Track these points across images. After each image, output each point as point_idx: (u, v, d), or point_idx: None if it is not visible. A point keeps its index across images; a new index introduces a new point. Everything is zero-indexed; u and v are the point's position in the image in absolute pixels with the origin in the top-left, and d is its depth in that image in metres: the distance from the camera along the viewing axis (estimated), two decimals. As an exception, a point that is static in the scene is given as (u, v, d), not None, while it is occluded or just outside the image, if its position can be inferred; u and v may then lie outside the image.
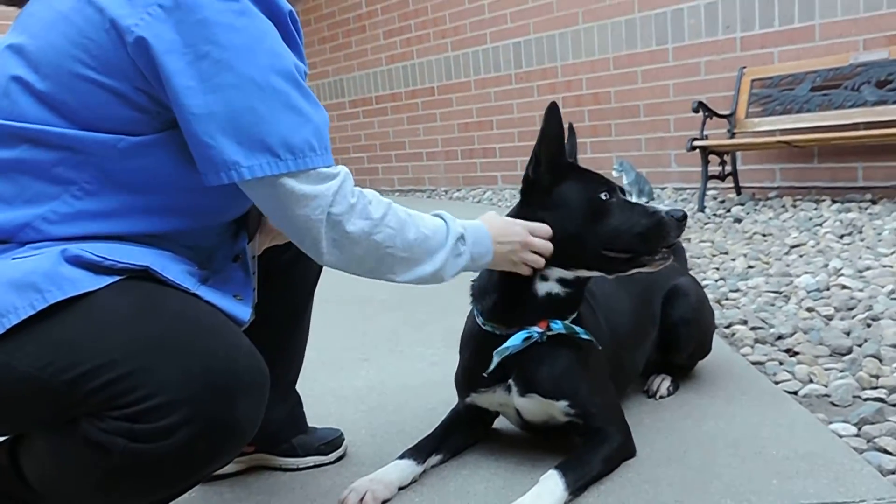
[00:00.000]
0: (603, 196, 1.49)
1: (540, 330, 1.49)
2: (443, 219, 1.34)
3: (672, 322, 1.86)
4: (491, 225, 1.42)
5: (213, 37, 1.01)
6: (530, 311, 1.51)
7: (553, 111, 1.48)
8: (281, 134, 1.05)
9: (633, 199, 4.11)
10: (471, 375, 1.58)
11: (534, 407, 1.54)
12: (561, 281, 1.51)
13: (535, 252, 1.46)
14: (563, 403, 1.50)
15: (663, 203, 5.20)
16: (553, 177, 1.51)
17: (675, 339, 1.87)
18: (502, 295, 1.52)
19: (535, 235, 1.46)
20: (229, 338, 1.04)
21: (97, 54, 1.01)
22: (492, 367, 1.50)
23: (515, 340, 1.48)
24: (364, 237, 1.17)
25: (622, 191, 1.55)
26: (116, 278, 1.01)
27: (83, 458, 0.97)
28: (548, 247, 1.47)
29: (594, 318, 1.64)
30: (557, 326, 1.49)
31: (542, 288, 1.51)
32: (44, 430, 1.04)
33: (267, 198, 1.11)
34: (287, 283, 1.53)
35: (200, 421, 0.95)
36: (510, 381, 1.52)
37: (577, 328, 1.51)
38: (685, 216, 1.47)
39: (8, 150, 1.04)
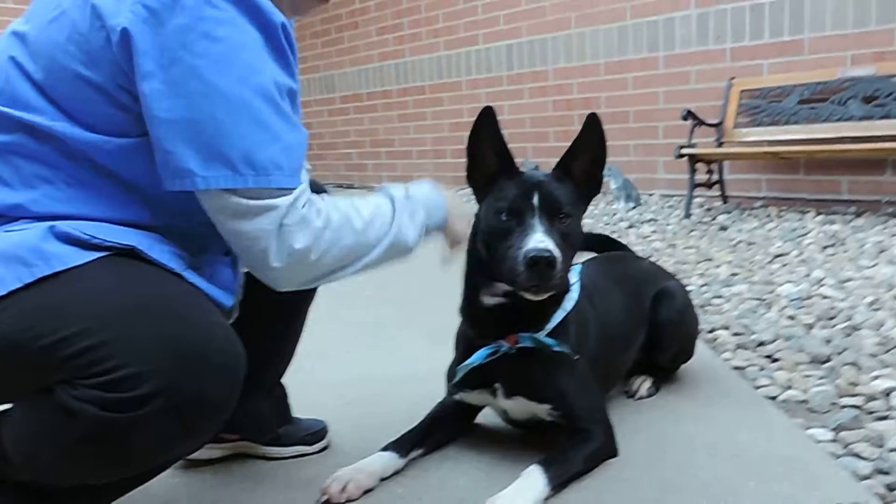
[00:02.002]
0: (502, 217, 1.40)
1: (507, 344, 1.49)
2: (383, 192, 1.32)
3: (658, 322, 1.88)
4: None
5: (189, 44, 1.01)
6: (491, 323, 1.51)
7: (485, 114, 1.43)
8: (243, 148, 1.04)
9: (621, 205, 4.08)
10: (461, 378, 1.58)
11: (520, 407, 1.56)
12: (508, 294, 1.46)
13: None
14: (547, 406, 1.52)
15: (649, 210, 5.24)
16: (485, 183, 1.48)
17: (659, 339, 1.88)
18: (466, 303, 1.56)
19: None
20: (206, 316, 1.06)
21: (87, 49, 1.04)
22: (456, 378, 1.55)
23: (478, 356, 1.50)
24: (313, 244, 1.13)
25: (544, 208, 1.39)
26: (102, 254, 1.03)
27: (55, 424, 0.99)
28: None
29: (587, 318, 1.64)
30: (525, 341, 1.49)
31: (488, 300, 1.50)
32: (23, 398, 1.05)
33: (218, 209, 1.09)
34: None
35: (170, 394, 0.96)
36: (496, 385, 1.54)
37: (549, 340, 1.49)
38: (535, 261, 1.29)
39: (6, 134, 1.06)
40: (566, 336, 1.53)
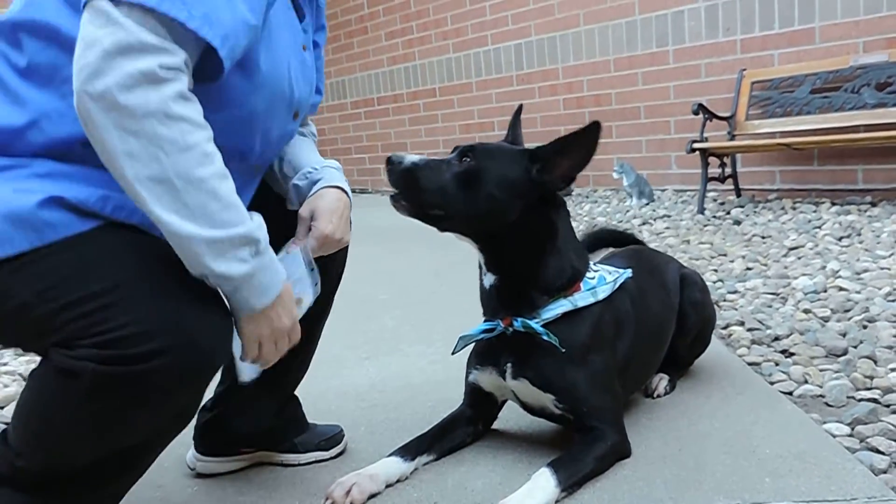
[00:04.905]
0: None
1: (503, 325, 1.55)
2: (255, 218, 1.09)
3: (681, 302, 1.90)
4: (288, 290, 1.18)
5: None
6: (491, 304, 1.59)
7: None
8: None
9: (634, 201, 4.19)
10: (477, 351, 1.66)
11: (527, 391, 1.58)
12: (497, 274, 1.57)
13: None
14: (551, 397, 1.53)
15: (662, 206, 5.22)
16: None
17: (682, 319, 1.90)
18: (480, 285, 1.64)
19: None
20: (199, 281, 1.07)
21: None
22: (455, 349, 1.62)
23: (476, 330, 1.58)
24: (143, 115, 0.94)
25: (456, 151, 1.57)
26: (106, 222, 1.06)
27: (57, 390, 1.02)
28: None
29: (624, 320, 1.65)
30: (517, 324, 1.53)
31: (486, 280, 1.59)
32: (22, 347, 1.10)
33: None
34: None
35: (168, 350, 0.99)
36: (506, 366, 1.57)
37: (538, 328, 1.50)
38: (387, 160, 1.61)
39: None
40: (570, 331, 1.53)
